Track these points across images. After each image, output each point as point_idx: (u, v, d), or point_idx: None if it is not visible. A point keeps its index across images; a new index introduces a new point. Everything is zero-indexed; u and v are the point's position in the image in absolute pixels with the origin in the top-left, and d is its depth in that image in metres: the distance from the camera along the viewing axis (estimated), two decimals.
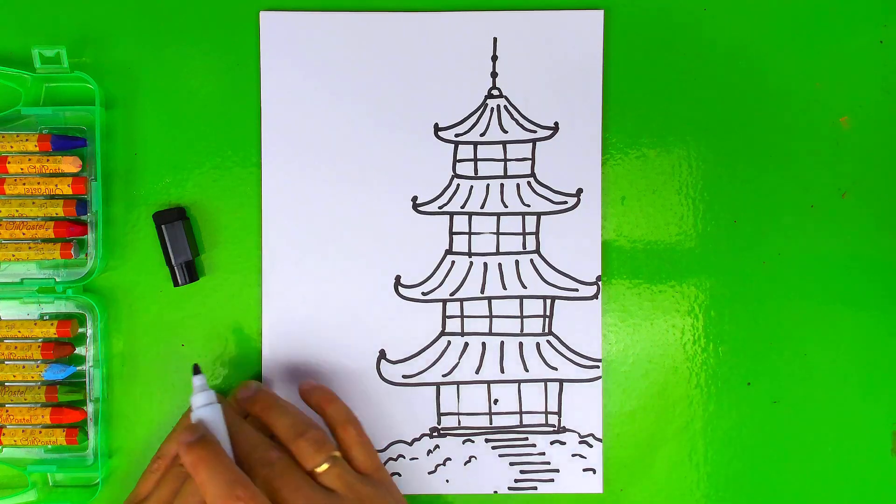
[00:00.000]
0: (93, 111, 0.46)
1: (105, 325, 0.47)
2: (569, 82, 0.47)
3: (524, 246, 0.47)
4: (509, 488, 0.47)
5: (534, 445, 0.47)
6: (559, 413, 0.47)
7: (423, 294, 0.47)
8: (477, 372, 0.47)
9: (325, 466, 0.39)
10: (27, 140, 0.45)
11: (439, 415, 0.47)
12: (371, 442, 0.43)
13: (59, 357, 0.46)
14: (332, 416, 0.43)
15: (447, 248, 0.47)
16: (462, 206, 0.47)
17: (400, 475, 0.47)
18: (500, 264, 0.47)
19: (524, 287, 0.47)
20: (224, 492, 0.36)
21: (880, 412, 0.47)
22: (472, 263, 0.47)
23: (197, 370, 0.41)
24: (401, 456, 0.47)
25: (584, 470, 0.47)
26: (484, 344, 0.47)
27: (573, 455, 0.47)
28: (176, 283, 0.46)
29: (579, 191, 0.47)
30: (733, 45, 0.47)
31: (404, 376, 0.47)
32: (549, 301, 0.47)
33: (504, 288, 0.47)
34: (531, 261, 0.47)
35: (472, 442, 0.47)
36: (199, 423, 0.40)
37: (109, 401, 0.47)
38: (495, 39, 0.47)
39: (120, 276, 0.47)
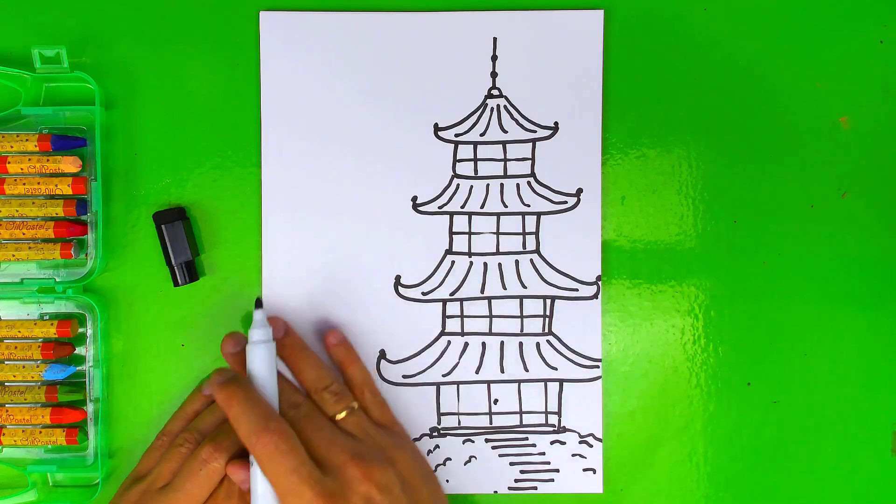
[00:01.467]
0: (93, 111, 0.46)
1: (105, 325, 0.47)
2: (569, 82, 0.47)
3: (524, 246, 0.47)
4: (509, 488, 0.47)
5: (534, 445, 0.47)
6: (559, 413, 0.47)
7: (423, 294, 0.47)
8: (477, 372, 0.47)
9: (343, 414, 0.43)
10: (27, 140, 0.45)
11: (439, 415, 0.47)
12: (386, 402, 0.46)
13: (59, 357, 0.46)
14: (351, 377, 0.45)
15: (447, 248, 0.47)
16: (462, 206, 0.47)
17: None
18: (500, 264, 0.47)
19: (524, 287, 0.47)
20: (258, 424, 0.39)
21: (880, 412, 0.47)
22: (471, 263, 0.47)
23: (259, 304, 0.43)
24: None
25: (584, 470, 0.47)
26: (484, 344, 0.47)
27: (573, 455, 0.47)
28: (176, 283, 0.46)
29: (579, 191, 0.47)
30: (733, 45, 0.47)
31: (404, 376, 0.47)
32: (549, 301, 0.47)
33: (504, 288, 0.47)
34: (531, 261, 0.47)
35: (472, 442, 0.47)
36: (231, 367, 0.44)
37: (109, 401, 0.47)
38: (495, 39, 0.47)
39: (120, 276, 0.47)
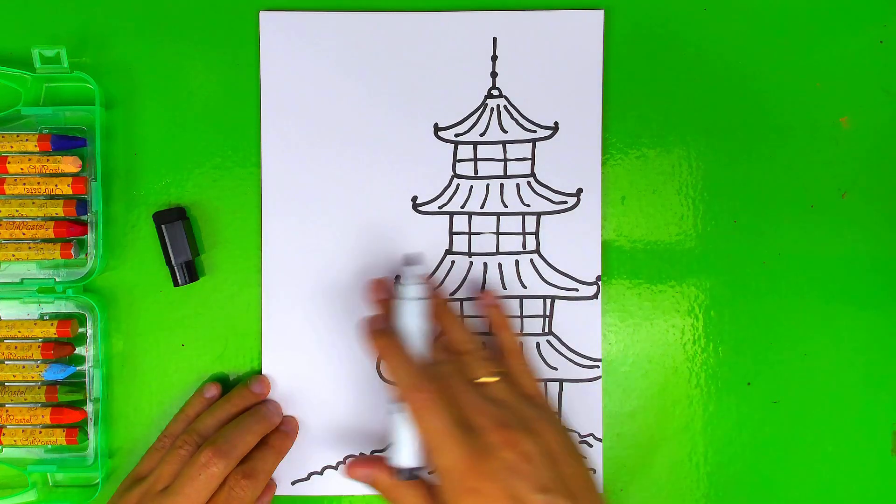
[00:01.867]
0: (93, 111, 0.46)
1: (105, 325, 0.47)
2: (569, 82, 0.47)
3: (524, 246, 0.47)
4: None
5: None
6: (559, 413, 0.47)
7: None
8: None
9: (487, 378, 0.42)
10: (27, 140, 0.45)
11: None
12: (534, 370, 0.45)
13: (59, 357, 0.46)
14: (503, 342, 0.45)
15: (447, 248, 0.47)
16: (462, 206, 0.47)
17: None
18: (500, 264, 0.47)
19: (524, 287, 0.47)
20: (415, 379, 0.40)
21: (880, 412, 0.47)
22: (472, 263, 0.47)
23: (413, 260, 0.43)
24: None
25: None
26: (484, 344, 0.47)
27: None
28: (176, 283, 0.46)
29: (579, 191, 0.47)
30: (733, 45, 0.47)
31: None
32: (549, 301, 0.47)
33: (504, 288, 0.47)
34: (531, 261, 0.47)
35: None
36: (382, 315, 0.44)
37: (109, 401, 0.47)
38: (495, 39, 0.47)
39: (120, 276, 0.47)
